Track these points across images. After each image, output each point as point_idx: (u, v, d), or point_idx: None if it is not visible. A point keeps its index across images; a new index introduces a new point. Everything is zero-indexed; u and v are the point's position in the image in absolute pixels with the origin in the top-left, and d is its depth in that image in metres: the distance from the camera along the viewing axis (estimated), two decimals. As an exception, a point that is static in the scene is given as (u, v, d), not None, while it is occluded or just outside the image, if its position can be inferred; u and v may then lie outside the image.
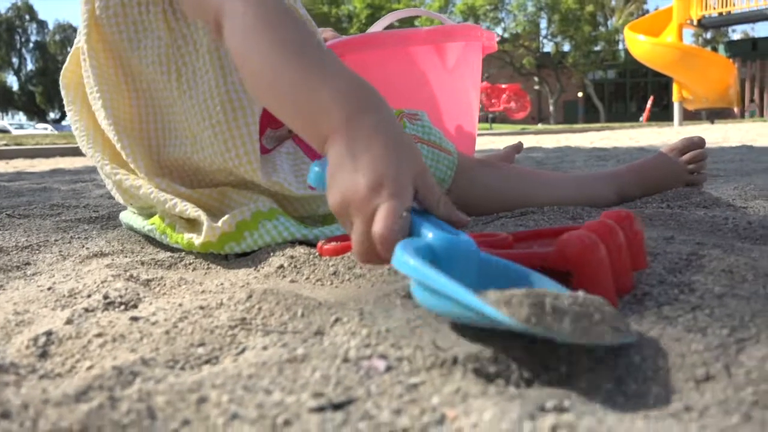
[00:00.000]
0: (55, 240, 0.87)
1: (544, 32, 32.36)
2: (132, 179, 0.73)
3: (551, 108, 30.65)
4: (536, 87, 31.69)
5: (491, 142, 7.62)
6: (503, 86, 10.89)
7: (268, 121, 0.77)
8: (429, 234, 0.40)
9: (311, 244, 0.70)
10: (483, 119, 11.87)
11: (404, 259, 0.37)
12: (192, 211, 0.70)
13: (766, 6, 11.51)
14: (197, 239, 0.69)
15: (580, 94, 32.05)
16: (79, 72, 0.74)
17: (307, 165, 0.75)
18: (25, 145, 9.92)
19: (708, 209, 0.82)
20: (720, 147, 3.16)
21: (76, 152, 7.84)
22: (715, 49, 27.38)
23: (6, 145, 9.95)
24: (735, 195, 0.97)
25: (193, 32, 0.69)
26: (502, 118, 16.14)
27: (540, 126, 23.85)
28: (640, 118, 23.42)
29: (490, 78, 29.98)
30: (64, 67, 0.77)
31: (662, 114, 25.93)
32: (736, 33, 35.53)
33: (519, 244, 0.57)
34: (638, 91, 33.22)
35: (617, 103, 34.80)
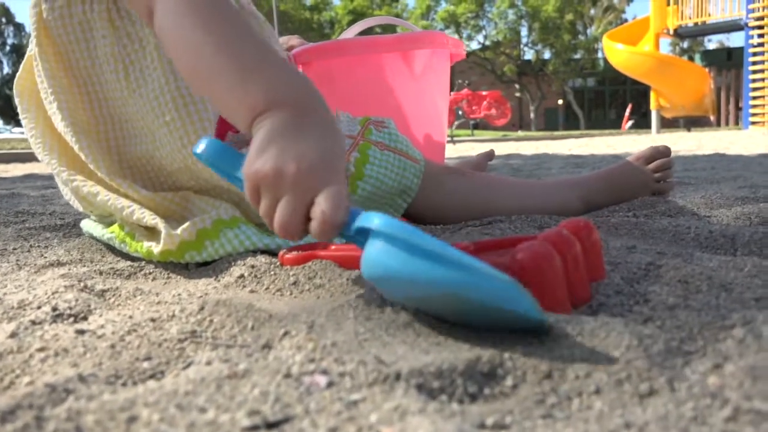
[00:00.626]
0: (14, 249, 0.85)
1: (524, 40, 32.68)
2: (90, 186, 0.72)
3: (532, 115, 30.94)
4: (517, 94, 31.98)
5: (471, 148, 7.69)
6: (484, 93, 10.95)
7: (228, 124, 0.76)
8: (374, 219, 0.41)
9: (273, 253, 0.69)
10: (465, 126, 11.90)
11: (389, 221, 0.38)
12: (149, 218, 0.68)
13: (740, 17, 11.75)
14: (156, 248, 0.68)
15: (560, 102, 32.41)
16: (32, 79, 0.73)
17: None
18: (0, 149, 9.79)
19: (672, 218, 0.82)
20: (693, 155, 3.21)
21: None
22: (691, 59, 27.88)
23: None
24: (701, 203, 0.98)
25: (139, 30, 0.69)
26: (485, 125, 16.26)
27: (521, 133, 24.07)
28: (628, 125, 23.76)
29: (471, 85, 30.22)
30: (17, 75, 0.75)
31: (641, 121, 26.28)
32: (712, 42, 36.18)
33: (480, 254, 0.56)
34: (617, 99, 33.68)
35: (597, 110, 35.24)
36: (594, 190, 0.90)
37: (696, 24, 12.15)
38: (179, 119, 0.68)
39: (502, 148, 10.50)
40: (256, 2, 0.68)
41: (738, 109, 25.82)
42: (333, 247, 0.63)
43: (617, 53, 12.18)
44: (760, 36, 10.70)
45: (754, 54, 11.08)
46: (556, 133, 21.80)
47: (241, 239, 0.68)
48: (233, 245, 0.68)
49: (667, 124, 13.43)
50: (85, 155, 0.71)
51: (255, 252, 0.69)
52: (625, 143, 6.09)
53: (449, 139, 10.79)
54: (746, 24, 11.35)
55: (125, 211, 0.69)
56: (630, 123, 24.24)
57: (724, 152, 3.29)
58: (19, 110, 0.75)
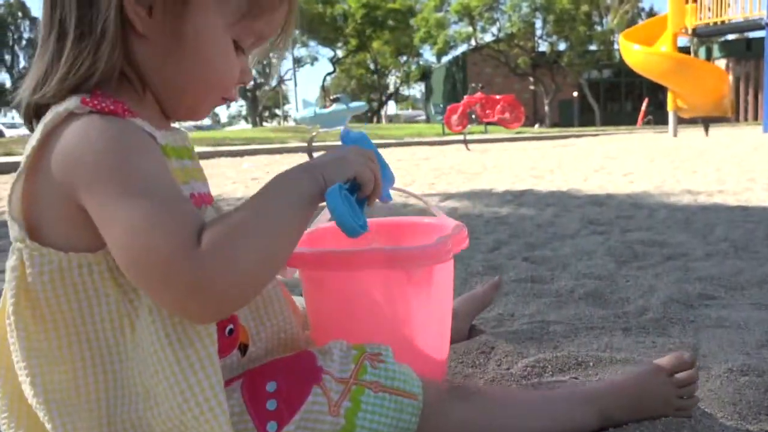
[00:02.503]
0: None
1: (539, 32, 32.29)
2: None
3: (546, 108, 30.60)
4: (531, 87, 31.63)
5: (485, 150, 7.37)
6: (497, 97, 10.80)
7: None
8: None
9: None
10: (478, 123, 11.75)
11: None
12: None
13: (760, 16, 11.45)
14: None
15: (575, 94, 31.98)
16: (2, 344, 0.67)
17: (249, 428, 0.68)
18: (16, 155, 9.82)
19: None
20: (702, 207, 3.10)
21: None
22: (709, 49, 27.38)
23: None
24: (728, 400, 0.91)
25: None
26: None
27: (536, 129, 23.80)
28: (646, 120, 23.38)
29: (484, 77, 29.85)
30: None
31: (658, 115, 25.87)
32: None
33: None
34: (633, 90, 33.19)
35: (612, 102, 34.78)
36: (611, 405, 0.83)
37: (715, 24, 11.87)
38: (180, 372, 0.62)
39: (514, 147, 10.41)
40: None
41: (757, 99, 25.33)
42: None
43: (634, 54, 11.94)
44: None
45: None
46: (571, 129, 21.53)
47: None
48: None
49: (684, 119, 13.15)
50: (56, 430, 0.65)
51: None
52: (643, 164, 5.92)
53: (462, 139, 10.67)
54: (767, 24, 11.07)
55: None
56: (646, 119, 23.90)
57: (747, 199, 3.17)
58: None
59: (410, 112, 57.40)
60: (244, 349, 0.74)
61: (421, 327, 0.86)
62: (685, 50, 15.15)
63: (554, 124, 29.92)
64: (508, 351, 1.16)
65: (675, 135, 12.30)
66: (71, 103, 0.62)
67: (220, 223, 0.60)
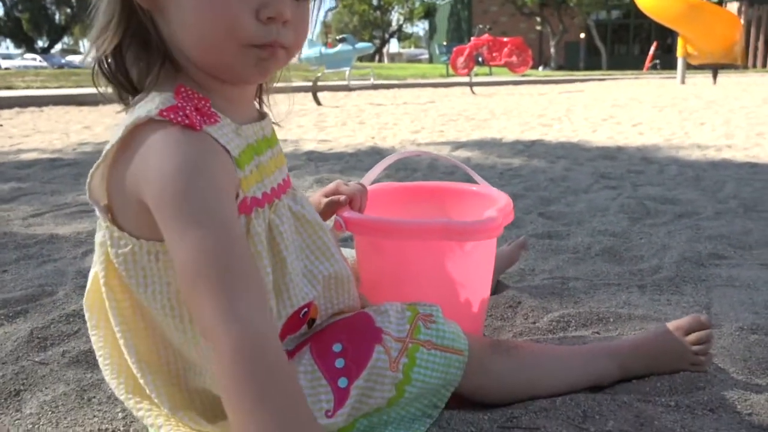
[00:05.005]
0: None
1: (548, -31, 31.18)
2: (154, 416, 0.74)
3: (552, 50, 29.97)
4: (538, 27, 30.86)
5: (490, 93, 7.10)
6: (505, 39, 10.61)
7: (288, 329, 0.78)
8: None
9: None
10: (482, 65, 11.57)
11: None
12: None
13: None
14: None
15: (582, 36, 31.25)
16: (100, 298, 0.74)
17: (323, 387, 0.76)
18: (15, 89, 9.70)
19: (714, 413, 0.85)
20: (712, 162, 3.14)
21: (70, 100, 7.67)
22: (723, -8, 26.58)
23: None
24: (741, 361, 1.00)
25: None
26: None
27: (540, 71, 23.39)
28: (651, 65, 22.97)
29: (491, 15, 29.09)
30: (87, 289, 0.76)
31: (666, 59, 25.41)
32: (747, -27, 34.36)
33: None
34: (641, 33, 32.42)
35: (620, 44, 34.01)
36: (631, 359, 0.92)
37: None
38: None
39: (520, 91, 10.32)
40: None
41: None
42: None
43: (646, -4, 11.62)
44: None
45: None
46: (576, 73, 21.19)
47: None
48: None
49: (692, 65, 12.95)
50: (149, 390, 0.73)
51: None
52: (652, 115, 5.91)
53: (468, 82, 10.54)
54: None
55: None
56: (653, 62, 23.48)
57: (754, 161, 3.21)
58: (88, 325, 0.76)
59: (413, 50, 56.05)
60: (311, 322, 0.81)
61: (466, 289, 0.93)
62: (698, -8, 14.76)
63: (559, 67, 29.40)
64: (533, 306, 1.25)
65: (683, 82, 12.16)
66: (152, 106, 0.63)
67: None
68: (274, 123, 0.81)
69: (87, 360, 1.04)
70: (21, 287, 1.38)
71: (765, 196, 2.25)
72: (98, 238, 0.71)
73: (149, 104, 0.64)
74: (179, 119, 0.62)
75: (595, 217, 2.00)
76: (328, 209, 0.96)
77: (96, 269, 0.73)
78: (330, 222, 0.93)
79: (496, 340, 0.92)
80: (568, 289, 1.37)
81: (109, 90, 0.71)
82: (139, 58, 0.69)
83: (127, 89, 0.70)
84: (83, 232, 1.83)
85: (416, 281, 0.90)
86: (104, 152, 0.66)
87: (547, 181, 2.62)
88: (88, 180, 0.67)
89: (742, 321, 1.16)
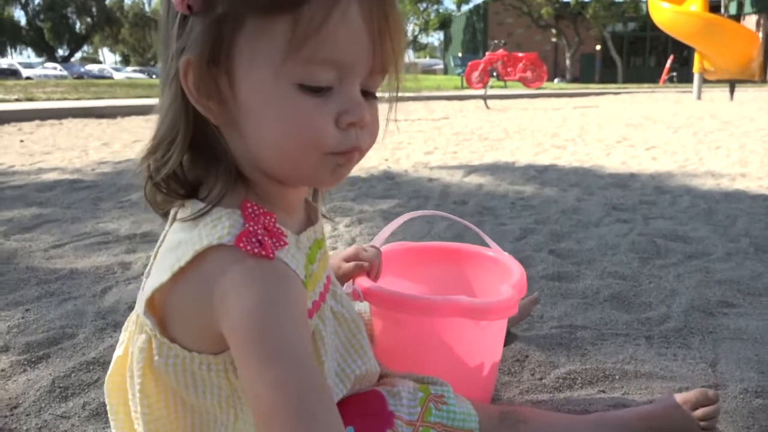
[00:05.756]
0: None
1: (564, -19, 31.21)
2: None
3: (567, 62, 29.93)
4: (553, 39, 30.86)
5: (504, 108, 6.94)
6: (520, 55, 10.66)
7: None
8: None
9: None
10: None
11: None
12: None
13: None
14: None
15: (597, 47, 31.18)
16: (122, 382, 0.75)
17: None
18: (36, 100, 9.89)
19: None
20: (725, 193, 3.12)
21: (88, 113, 7.81)
22: (741, 4, 26.41)
23: (18, 99, 9.90)
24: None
25: None
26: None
27: (556, 83, 23.36)
28: (668, 78, 22.83)
29: (506, 27, 29.11)
30: (108, 374, 0.77)
31: (682, 72, 25.26)
32: (765, -14, 34.12)
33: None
34: (658, 45, 32.28)
35: (636, 57, 33.88)
36: None
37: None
38: None
39: (534, 105, 10.33)
40: None
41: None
42: None
43: (662, 11, 11.60)
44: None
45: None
46: (591, 86, 21.11)
47: None
48: None
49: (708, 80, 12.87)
50: None
51: None
52: (666, 137, 5.88)
53: (482, 95, 10.57)
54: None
55: None
56: (669, 75, 23.34)
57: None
58: (108, 409, 0.77)
59: (428, 60, 56.16)
60: None
61: (480, 357, 0.96)
62: (715, 4, 14.68)
63: (575, 79, 29.34)
64: (540, 360, 1.27)
65: (699, 98, 12.09)
66: (222, 231, 0.62)
67: None
68: (323, 216, 0.80)
69: (106, 412, 1.08)
70: (42, 329, 1.43)
71: (777, 235, 2.25)
72: (138, 342, 0.69)
73: (218, 226, 0.62)
74: (255, 250, 0.61)
75: (605, 256, 2.01)
76: (348, 275, 0.99)
77: (131, 372, 0.72)
78: (347, 288, 0.96)
79: (507, 410, 0.94)
80: (575, 340, 1.38)
81: (158, 199, 0.68)
82: (197, 165, 0.67)
83: (184, 197, 0.67)
84: (101, 267, 1.88)
85: (432, 353, 0.93)
86: (170, 270, 0.63)
87: (558, 213, 2.63)
88: (146, 296, 0.66)
89: (747, 382, 1.17)
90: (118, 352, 0.77)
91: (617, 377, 1.21)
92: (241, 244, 0.61)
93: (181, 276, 0.63)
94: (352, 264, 0.99)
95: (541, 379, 1.21)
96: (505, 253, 1.10)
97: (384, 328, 0.98)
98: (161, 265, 0.65)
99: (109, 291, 1.68)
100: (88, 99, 10.51)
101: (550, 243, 2.17)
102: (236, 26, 0.58)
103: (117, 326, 1.44)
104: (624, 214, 2.62)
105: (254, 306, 0.59)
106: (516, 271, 1.00)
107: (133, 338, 0.72)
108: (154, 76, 35.76)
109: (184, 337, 0.67)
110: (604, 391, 1.16)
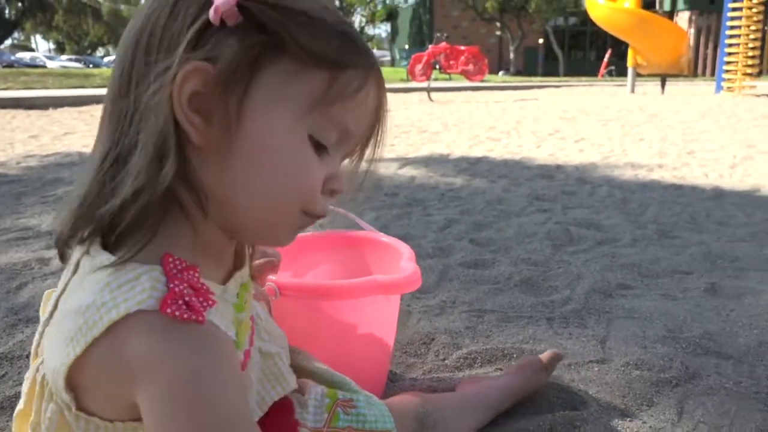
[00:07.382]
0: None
1: (507, -24, 31.71)
2: None
3: (512, 55, 30.54)
4: (498, 33, 31.40)
5: (449, 100, 6.99)
6: (462, 48, 10.81)
7: None
8: None
9: None
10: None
11: None
12: None
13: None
14: None
15: (540, 41, 31.94)
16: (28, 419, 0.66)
17: None
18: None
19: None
20: (641, 184, 3.29)
21: (17, 103, 7.47)
22: (674, 1, 27.54)
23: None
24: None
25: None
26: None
27: (500, 76, 23.80)
28: (606, 72, 23.60)
29: (451, 20, 29.44)
30: (17, 408, 0.69)
31: (621, 65, 26.17)
32: (696, -16, 35.62)
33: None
34: (598, 40, 33.32)
35: (577, 50, 34.89)
36: (504, 404, 1.06)
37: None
38: None
39: (477, 98, 10.53)
40: None
41: (716, 54, 25.86)
42: None
43: (598, 7, 12.02)
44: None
45: (732, 18, 11.05)
46: (534, 79, 21.66)
47: None
48: None
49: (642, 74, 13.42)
50: None
51: None
52: (595, 130, 6.13)
53: (426, 89, 10.70)
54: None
55: None
56: (608, 69, 24.16)
57: (680, 182, 3.38)
58: None
59: (375, 52, 56.15)
60: None
61: (390, 331, 1.05)
62: (650, 0, 15.27)
63: (518, 72, 29.95)
64: (446, 342, 1.34)
65: (632, 91, 12.60)
66: (142, 294, 0.53)
67: None
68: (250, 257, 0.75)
69: (12, 407, 1.09)
70: (-49, 326, 1.41)
71: (681, 221, 2.41)
72: (48, 413, 0.61)
73: (136, 288, 0.54)
74: (185, 315, 0.53)
75: (521, 243, 2.11)
76: (260, 272, 0.94)
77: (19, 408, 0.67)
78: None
79: (422, 414, 0.96)
80: (482, 323, 1.47)
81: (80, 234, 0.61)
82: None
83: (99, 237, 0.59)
84: (18, 263, 1.85)
85: (350, 333, 0.99)
86: (83, 341, 0.54)
87: (483, 203, 2.73)
88: (63, 373, 0.56)
89: (630, 356, 1.27)
90: (20, 406, 0.69)
91: (515, 356, 1.29)
92: (169, 310, 0.53)
93: (93, 345, 0.54)
94: (263, 260, 0.99)
95: (444, 359, 1.28)
96: (386, 235, 1.18)
97: (301, 317, 1.01)
98: (67, 328, 0.56)
99: (24, 287, 1.66)
100: (18, 89, 10.08)
101: (471, 232, 2.26)
102: (275, 58, 0.56)
103: (29, 322, 1.43)
104: (545, 204, 2.74)
105: (186, 378, 0.53)
106: (405, 249, 1.08)
107: (38, 403, 0.63)
108: (90, 66, 34.42)
109: (101, 408, 0.59)
110: (500, 369, 1.24)
